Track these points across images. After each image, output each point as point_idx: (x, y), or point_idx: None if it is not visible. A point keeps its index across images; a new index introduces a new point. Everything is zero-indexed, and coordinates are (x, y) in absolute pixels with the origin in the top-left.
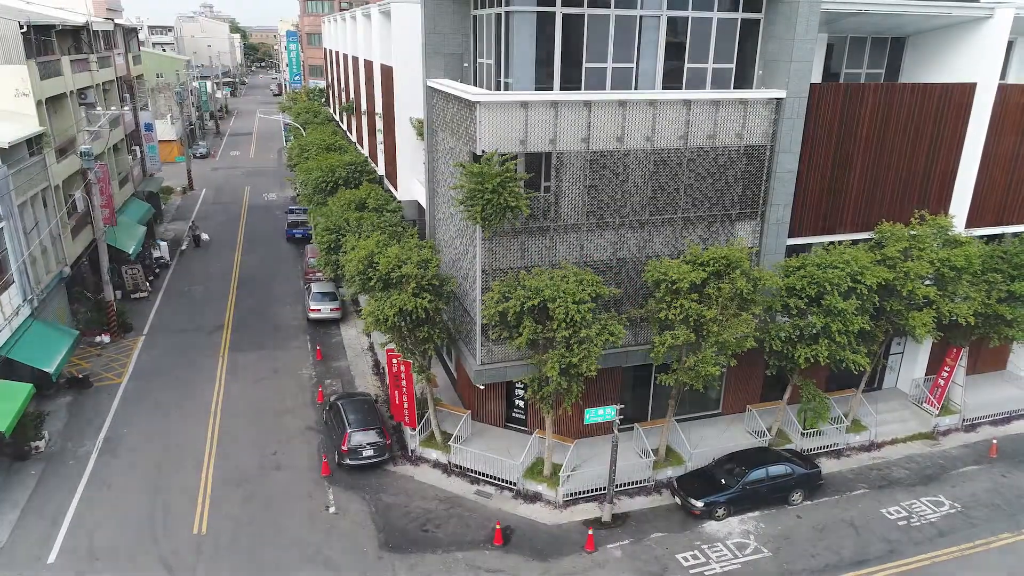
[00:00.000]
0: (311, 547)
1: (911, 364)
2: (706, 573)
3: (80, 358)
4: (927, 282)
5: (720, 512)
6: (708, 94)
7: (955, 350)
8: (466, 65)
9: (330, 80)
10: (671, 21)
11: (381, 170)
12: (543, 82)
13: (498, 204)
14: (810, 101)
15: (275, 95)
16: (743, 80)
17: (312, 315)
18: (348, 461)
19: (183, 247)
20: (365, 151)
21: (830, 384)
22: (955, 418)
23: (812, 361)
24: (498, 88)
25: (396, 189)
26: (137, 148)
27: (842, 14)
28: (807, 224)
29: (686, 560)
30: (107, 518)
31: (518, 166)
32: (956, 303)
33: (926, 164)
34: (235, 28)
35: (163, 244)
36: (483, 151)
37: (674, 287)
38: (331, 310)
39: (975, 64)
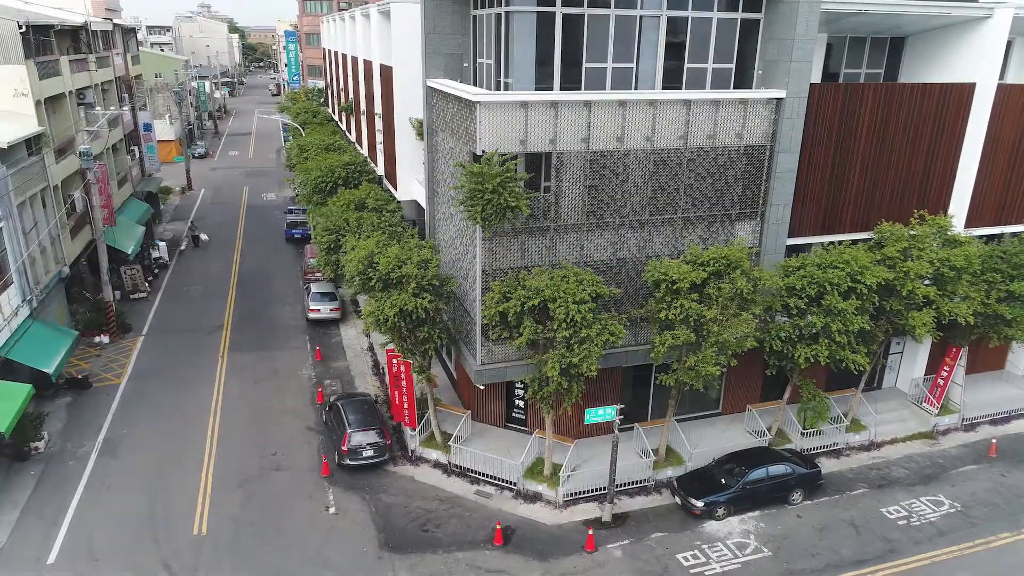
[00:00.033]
0: (311, 547)
1: (910, 364)
2: (706, 573)
3: (79, 358)
4: (927, 282)
5: (720, 512)
6: (708, 94)
7: (954, 350)
8: (466, 65)
9: (329, 80)
10: (671, 21)
11: (380, 170)
12: (543, 82)
13: (498, 204)
14: (810, 101)
15: (273, 95)
16: (743, 80)
17: (311, 315)
18: (348, 461)
19: (182, 247)
20: (364, 151)
21: (830, 384)
22: (954, 418)
23: (812, 361)
24: (498, 88)
25: (396, 189)
26: (136, 148)
27: (842, 14)
28: (807, 224)
29: (686, 560)
30: (107, 519)
31: (518, 166)
32: (956, 303)
33: (925, 164)
34: (233, 28)
35: (162, 244)
36: (483, 151)
37: (674, 287)
38: (330, 310)
39: (974, 64)
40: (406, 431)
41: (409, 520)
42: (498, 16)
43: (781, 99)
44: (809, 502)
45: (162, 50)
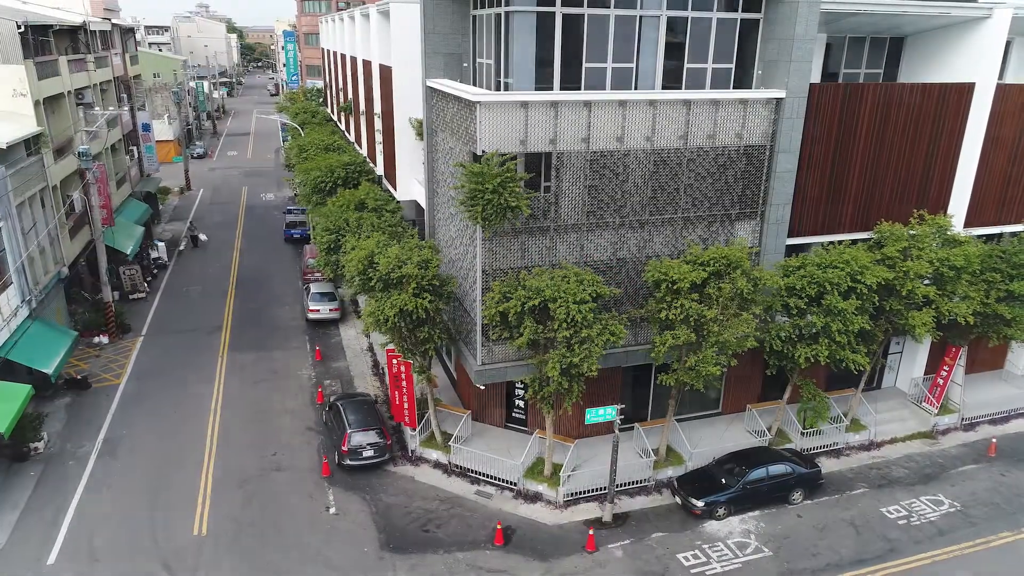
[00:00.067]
0: (312, 548)
1: (910, 363)
2: (707, 573)
3: (79, 359)
4: (926, 282)
5: (721, 512)
6: (708, 94)
7: (954, 349)
8: (465, 65)
9: (328, 80)
10: (671, 21)
11: (380, 170)
12: (543, 82)
13: (498, 204)
14: (810, 101)
15: (272, 95)
16: (743, 80)
17: (311, 315)
18: (348, 462)
19: (181, 247)
20: (364, 151)
21: (829, 384)
22: (954, 417)
23: (812, 361)
24: (498, 88)
25: (395, 189)
26: (134, 148)
27: (841, 14)
28: (807, 224)
29: (687, 560)
30: (107, 519)
31: (518, 166)
32: (955, 302)
33: (925, 163)
34: (232, 28)
35: (161, 244)
36: (483, 151)
37: (674, 287)
38: (330, 310)
39: (974, 64)
40: (406, 431)
41: (410, 520)
42: (498, 16)
43: (781, 99)
44: (809, 502)
45: (160, 50)
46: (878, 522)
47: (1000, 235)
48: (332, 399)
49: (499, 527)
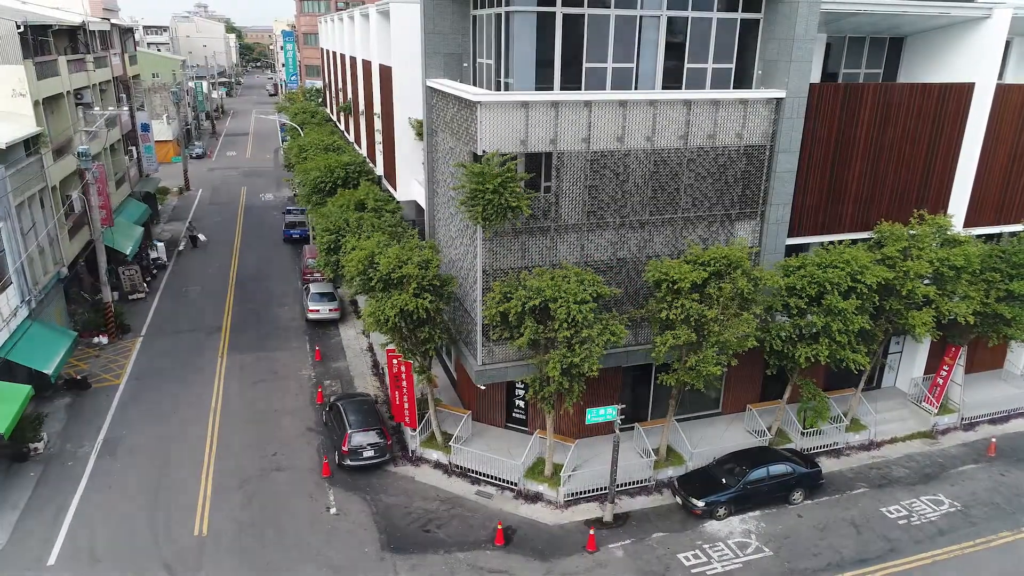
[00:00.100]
0: (312, 548)
1: (910, 363)
2: (708, 573)
3: (78, 359)
4: (926, 281)
5: (721, 512)
6: (708, 94)
7: (954, 349)
8: (465, 65)
9: (327, 80)
10: (671, 21)
11: (380, 170)
12: (543, 82)
13: (499, 204)
14: (810, 101)
15: (271, 95)
16: (743, 80)
17: (311, 315)
18: (349, 462)
19: (180, 248)
20: (363, 151)
21: (829, 383)
22: (954, 417)
23: (813, 360)
24: (498, 88)
25: (395, 189)
26: (133, 148)
27: (841, 14)
28: (807, 224)
29: (687, 560)
30: (107, 520)
31: (518, 166)
32: (955, 302)
33: (925, 163)
34: (230, 28)
35: (160, 245)
36: (484, 151)
37: (675, 287)
38: (330, 310)
39: (973, 64)
40: (406, 431)
41: (410, 520)
42: (498, 16)
43: (781, 99)
44: (810, 501)
45: (159, 50)
46: (878, 522)
47: (1000, 235)
48: (332, 399)
49: (500, 527)
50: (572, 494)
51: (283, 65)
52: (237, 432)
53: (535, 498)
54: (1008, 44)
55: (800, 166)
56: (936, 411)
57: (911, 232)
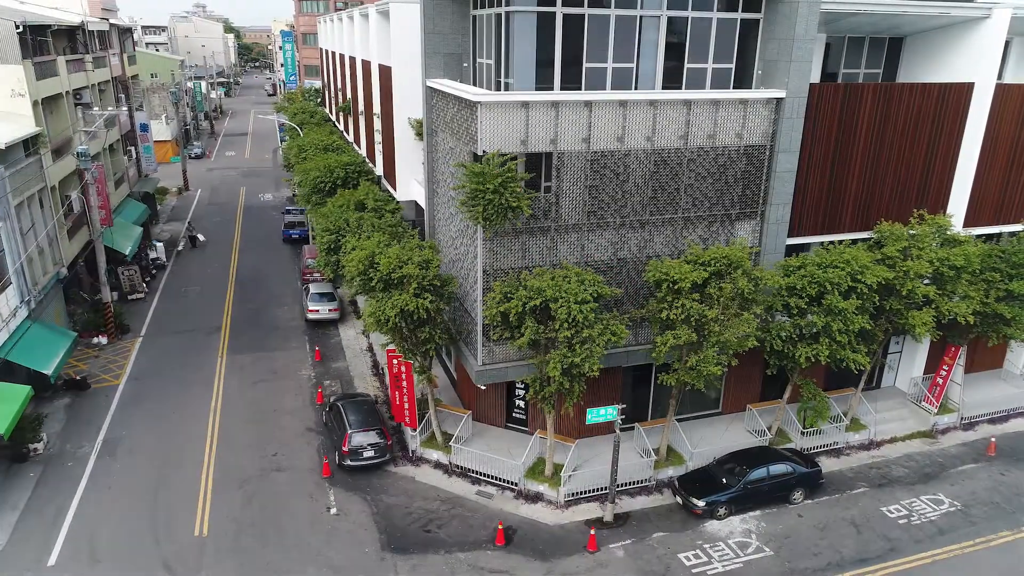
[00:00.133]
0: (313, 548)
1: (909, 363)
2: (709, 572)
3: (77, 360)
4: (926, 281)
5: (721, 511)
6: (708, 94)
7: (953, 349)
8: (465, 65)
9: (326, 80)
10: (671, 21)
11: (379, 170)
12: (543, 82)
13: (500, 204)
14: (809, 101)
15: (269, 95)
16: (743, 80)
17: (310, 316)
18: (349, 462)
19: (179, 248)
20: (362, 151)
21: (829, 383)
22: (953, 416)
23: (813, 360)
24: (498, 88)
25: (395, 189)
26: (132, 149)
27: (841, 14)
28: (807, 223)
29: (688, 560)
30: (107, 520)
31: (519, 166)
32: (955, 302)
33: (924, 163)
34: (229, 28)
35: (159, 245)
36: (484, 151)
37: (675, 287)
38: (329, 311)
39: (973, 64)
40: (407, 431)
41: (411, 521)
42: (498, 16)
43: (781, 99)
44: (810, 501)
45: (157, 50)
46: (879, 521)
47: (999, 235)
48: (332, 399)
49: (500, 527)
50: (572, 494)
51: (282, 65)
52: (237, 432)
53: (535, 498)
54: (1007, 44)
55: (800, 166)
56: (936, 411)
57: (911, 232)
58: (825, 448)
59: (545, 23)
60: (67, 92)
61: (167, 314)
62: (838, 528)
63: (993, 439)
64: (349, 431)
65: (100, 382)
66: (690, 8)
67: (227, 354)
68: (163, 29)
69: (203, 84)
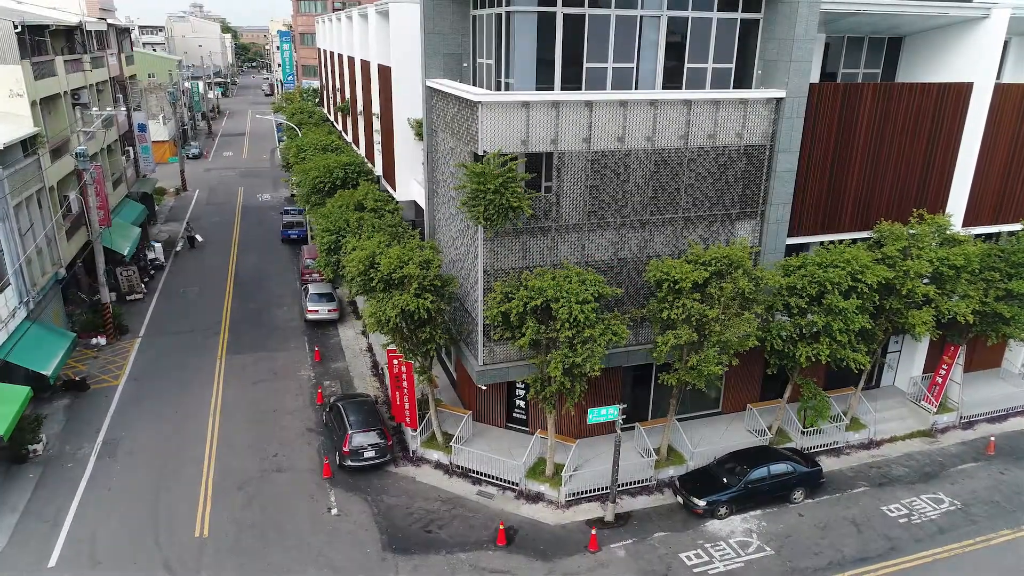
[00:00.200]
0: (314, 549)
1: (909, 362)
2: (710, 572)
3: (76, 360)
4: (926, 281)
5: (722, 511)
6: (708, 94)
7: (953, 348)
8: (465, 65)
9: (324, 80)
10: (671, 21)
11: (379, 170)
12: (544, 82)
13: (500, 205)
14: (809, 101)
15: (267, 95)
16: (743, 80)
17: (310, 316)
18: (349, 462)
19: (177, 248)
20: (361, 151)
21: (828, 383)
22: (953, 416)
23: (814, 360)
24: (498, 88)
25: (394, 189)
26: (130, 149)
27: (841, 14)
28: (806, 223)
29: (689, 559)
30: (107, 521)
31: (519, 166)
32: (955, 301)
33: (924, 163)
34: (226, 28)
35: (157, 245)
36: (484, 151)
37: (676, 287)
38: (329, 311)
39: (972, 64)
40: (407, 432)
41: (411, 521)
42: (499, 16)
43: (781, 99)
44: (810, 500)
45: (154, 50)
46: (879, 520)
47: (998, 234)
48: (332, 400)
49: (502, 527)
50: (573, 494)
51: (279, 65)
52: (237, 433)
53: (536, 498)
54: (1006, 44)
55: (800, 166)
56: (935, 410)
57: (911, 231)
58: (825, 447)
59: (545, 23)
60: (65, 92)
61: (166, 315)
62: (839, 527)
63: (992, 438)
64: (350, 431)
65: (99, 383)
66: (690, 8)
67: (226, 355)
68: (160, 29)
69: (200, 84)
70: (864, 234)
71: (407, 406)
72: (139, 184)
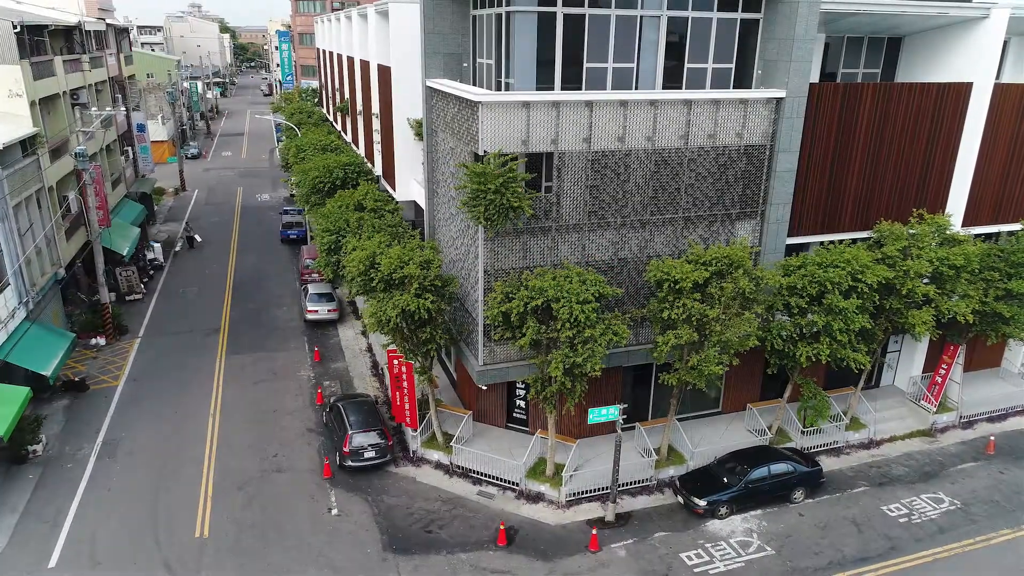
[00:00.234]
0: (314, 549)
1: (908, 362)
2: (710, 572)
3: (76, 361)
4: (926, 280)
5: (723, 511)
6: (708, 94)
7: (952, 348)
8: (465, 65)
9: (323, 80)
10: (671, 21)
11: (378, 170)
12: (544, 82)
13: (501, 205)
14: (809, 101)
15: (265, 95)
16: (743, 80)
17: (309, 316)
18: (350, 463)
19: (177, 248)
20: (361, 151)
21: (828, 382)
22: (952, 415)
23: (814, 360)
24: (498, 88)
25: (394, 190)
26: (129, 149)
27: (841, 14)
28: (806, 223)
29: (690, 559)
30: (107, 522)
31: (520, 166)
32: (955, 301)
33: (923, 163)
34: (224, 28)
35: (156, 246)
36: (485, 151)
37: (676, 287)
38: (328, 311)
39: (971, 64)
40: (407, 432)
41: (412, 521)
42: (499, 16)
43: (781, 99)
44: (811, 500)
45: (153, 50)
46: (879, 520)
47: (998, 234)
48: (332, 400)
49: (502, 527)
50: (574, 494)
51: (278, 65)
52: (237, 433)
53: (537, 498)
54: (1005, 44)
55: (800, 166)
56: (935, 409)
57: (911, 231)
58: (825, 447)
59: (546, 23)
60: (64, 92)
61: (165, 315)
62: (839, 527)
63: (992, 437)
64: (350, 432)
65: (99, 383)
66: (690, 8)
67: (226, 355)
68: (159, 29)
69: (199, 84)
70: (864, 234)
71: (407, 406)
72: (138, 184)
